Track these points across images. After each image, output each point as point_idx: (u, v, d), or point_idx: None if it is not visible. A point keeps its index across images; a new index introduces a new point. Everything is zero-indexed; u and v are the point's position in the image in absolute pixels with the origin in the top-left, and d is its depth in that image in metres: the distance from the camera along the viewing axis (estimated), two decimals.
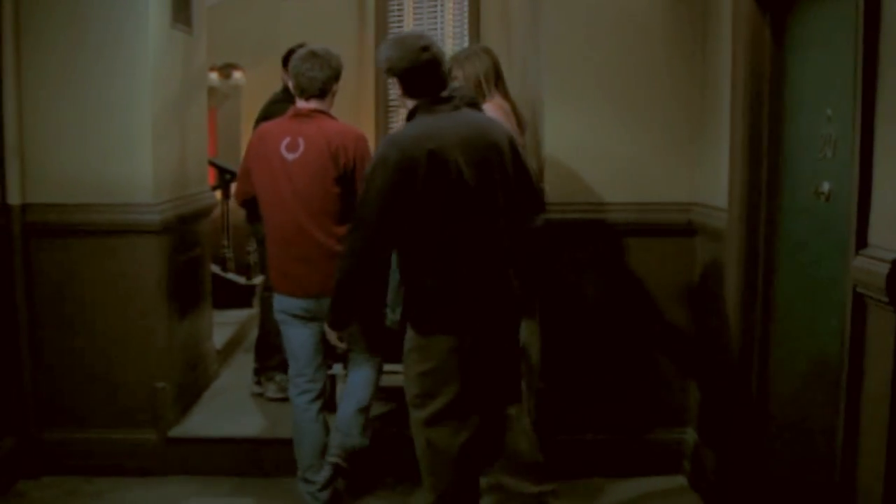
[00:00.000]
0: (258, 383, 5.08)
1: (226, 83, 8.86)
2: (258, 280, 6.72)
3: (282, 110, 4.04)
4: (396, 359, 3.48)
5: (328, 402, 4.02)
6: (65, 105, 4.19)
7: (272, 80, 5.40)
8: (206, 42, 5.17)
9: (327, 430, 3.89)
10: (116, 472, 4.30)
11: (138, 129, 4.21)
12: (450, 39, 7.84)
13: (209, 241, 5.36)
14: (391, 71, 3.18)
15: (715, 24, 4.01)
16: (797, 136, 3.41)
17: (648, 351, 4.30)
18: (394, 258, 3.56)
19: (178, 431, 4.44)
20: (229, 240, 6.82)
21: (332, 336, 3.44)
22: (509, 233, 3.21)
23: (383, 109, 8.35)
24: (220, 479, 4.31)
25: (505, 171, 3.18)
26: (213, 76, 8.49)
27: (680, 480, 4.30)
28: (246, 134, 6.40)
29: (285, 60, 5.19)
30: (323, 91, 3.77)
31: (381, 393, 4.48)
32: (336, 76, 3.80)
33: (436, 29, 7.97)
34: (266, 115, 4.73)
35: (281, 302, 3.84)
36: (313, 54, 3.77)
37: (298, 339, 3.85)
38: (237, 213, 6.79)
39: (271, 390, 4.96)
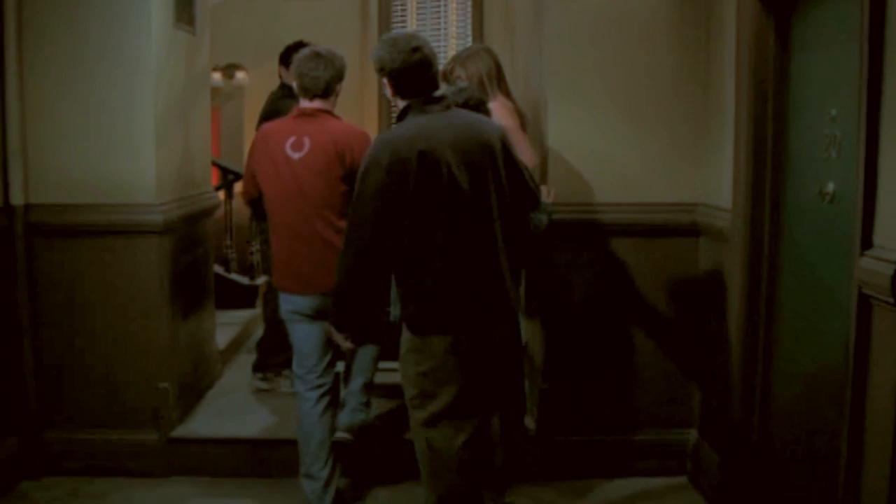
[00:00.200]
0: (264, 379, 5.10)
1: (229, 83, 8.87)
2: (261, 280, 6.73)
3: (289, 106, 4.07)
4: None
5: (335, 398, 4.01)
6: (68, 105, 4.19)
7: (275, 81, 5.40)
8: (209, 42, 5.17)
9: (333, 427, 3.89)
10: (118, 472, 4.30)
11: (141, 130, 4.21)
12: (453, 40, 7.83)
13: (212, 241, 5.36)
14: (382, 71, 3.20)
15: (719, 24, 4.00)
16: (801, 137, 3.40)
17: (652, 351, 4.29)
18: None
19: (180, 432, 4.44)
20: (232, 240, 6.82)
21: (339, 337, 3.42)
22: (504, 232, 3.21)
23: (386, 109, 8.35)
24: (223, 479, 4.31)
25: (497, 171, 3.19)
26: (216, 76, 8.49)
27: (683, 481, 4.29)
28: (249, 134, 6.41)
29: (283, 58, 5.24)
30: (327, 91, 3.79)
31: (383, 391, 4.50)
32: (340, 76, 3.82)
33: (439, 29, 7.96)
34: (273, 112, 4.74)
35: (288, 301, 3.85)
36: (317, 55, 3.79)
37: (306, 336, 3.86)
38: (240, 214, 6.81)
39: (285, 385, 5.00)
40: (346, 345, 3.47)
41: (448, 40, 7.86)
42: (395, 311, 3.86)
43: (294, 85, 3.90)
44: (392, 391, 4.32)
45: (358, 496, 4.13)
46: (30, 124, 4.18)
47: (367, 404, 4.12)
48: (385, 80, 3.22)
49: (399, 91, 3.21)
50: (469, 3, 7.61)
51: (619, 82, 4.17)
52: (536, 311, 4.48)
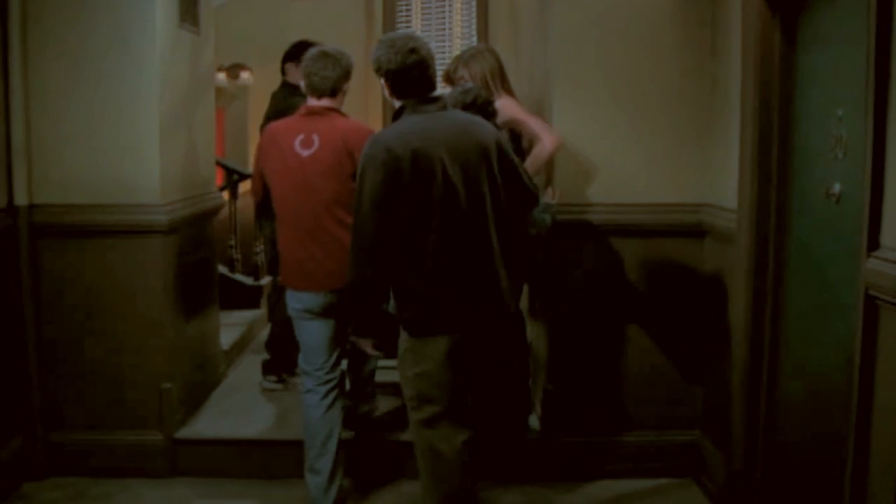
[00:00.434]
0: (278, 381, 5.11)
1: (233, 83, 8.89)
2: (266, 281, 6.72)
3: (296, 104, 4.08)
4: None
5: (341, 394, 4.00)
6: (72, 106, 4.19)
7: (280, 81, 5.40)
8: (213, 42, 5.16)
9: (339, 422, 3.89)
10: (123, 473, 4.30)
11: (145, 130, 4.21)
12: (458, 40, 7.83)
13: (216, 241, 5.35)
14: (380, 71, 3.24)
15: (724, 24, 3.99)
16: (807, 137, 3.39)
17: (656, 352, 4.28)
18: None
19: (184, 433, 4.44)
20: (237, 240, 6.82)
21: (364, 343, 3.35)
22: (498, 232, 3.21)
23: (390, 108, 8.35)
24: (227, 480, 4.30)
25: (492, 171, 3.20)
26: (221, 76, 8.51)
27: (688, 483, 4.28)
28: (253, 134, 6.40)
29: (287, 57, 5.25)
30: (335, 90, 3.84)
31: (384, 389, 4.49)
32: (347, 75, 3.87)
33: (444, 29, 7.96)
34: (283, 110, 4.73)
35: (296, 298, 3.86)
36: (325, 54, 3.83)
37: (314, 333, 3.87)
38: (245, 214, 6.82)
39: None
40: (374, 352, 3.40)
41: (452, 40, 7.86)
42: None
43: (301, 83, 3.93)
44: (394, 389, 4.32)
45: (361, 496, 4.12)
46: (34, 124, 4.18)
47: (372, 394, 4.20)
48: (382, 81, 3.25)
49: (396, 91, 3.25)
50: (474, 3, 7.61)
51: (624, 82, 4.16)
52: (540, 311, 4.47)
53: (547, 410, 4.32)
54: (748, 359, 3.69)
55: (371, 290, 3.18)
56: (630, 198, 4.21)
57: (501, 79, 4.25)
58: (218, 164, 6.13)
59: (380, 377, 4.48)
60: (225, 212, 6.08)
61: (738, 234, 3.75)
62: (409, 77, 3.20)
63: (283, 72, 5.38)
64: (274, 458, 4.35)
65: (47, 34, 4.15)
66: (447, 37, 7.94)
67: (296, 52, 5.03)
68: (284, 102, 5.06)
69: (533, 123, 4.11)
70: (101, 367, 4.30)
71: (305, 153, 3.75)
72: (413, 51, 3.19)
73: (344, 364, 4.11)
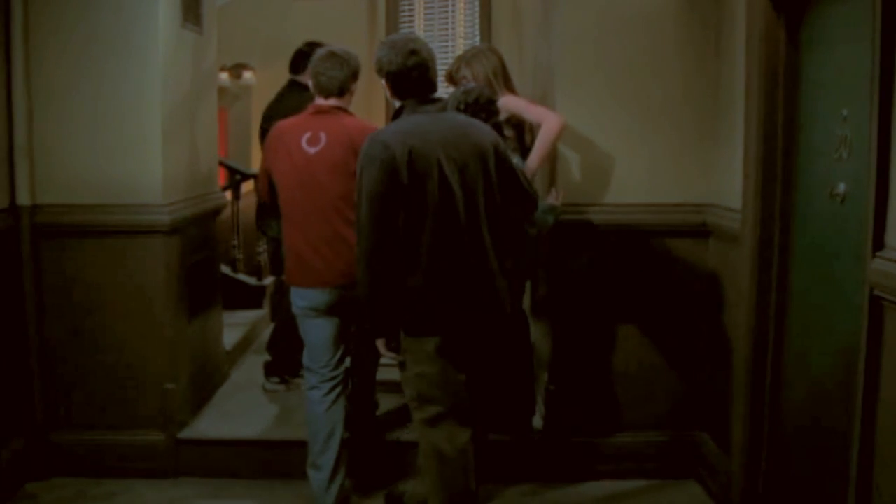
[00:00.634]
0: (282, 381, 5.11)
1: (236, 83, 8.89)
2: (268, 281, 6.72)
3: (304, 103, 4.08)
4: None
5: (345, 391, 3.99)
6: (74, 106, 4.18)
7: (283, 81, 5.39)
8: (216, 42, 5.16)
9: (342, 419, 3.89)
10: (126, 473, 4.30)
11: (148, 130, 4.20)
12: (461, 40, 7.82)
13: (219, 241, 5.35)
14: (381, 72, 3.29)
15: (729, 24, 3.98)
16: (812, 137, 3.38)
17: (660, 352, 4.28)
18: None
19: (187, 433, 4.43)
20: (239, 240, 6.82)
21: (382, 344, 3.31)
22: (493, 232, 3.20)
23: (393, 108, 8.35)
24: (231, 481, 4.30)
25: (488, 172, 3.21)
26: (224, 76, 8.51)
27: (692, 484, 4.27)
28: (256, 134, 6.39)
29: (293, 63, 5.23)
30: (342, 90, 3.88)
31: (384, 387, 4.49)
32: (355, 75, 3.91)
33: (447, 29, 7.95)
34: (292, 108, 4.70)
35: (301, 296, 3.86)
36: (333, 54, 3.87)
37: (319, 331, 3.87)
38: (247, 214, 6.81)
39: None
40: (389, 353, 3.34)
41: (456, 40, 7.85)
42: None
43: (309, 83, 3.96)
44: (394, 388, 4.32)
45: (363, 496, 4.11)
46: (37, 124, 4.18)
47: (374, 391, 4.25)
48: (384, 81, 3.31)
49: (396, 92, 3.31)
50: (477, 3, 7.60)
51: (628, 82, 4.16)
52: (544, 311, 4.47)
53: (550, 410, 4.32)
54: (752, 358, 3.68)
55: (379, 288, 3.16)
56: (634, 198, 4.21)
57: (504, 78, 4.24)
58: (220, 163, 6.13)
59: (380, 375, 4.47)
60: (228, 212, 6.09)
61: (742, 234, 3.75)
62: (410, 78, 3.24)
63: (297, 70, 5.28)
64: (277, 459, 4.34)
65: (50, 34, 4.14)
66: (450, 37, 7.93)
67: (310, 53, 4.99)
68: (295, 100, 5.01)
69: (534, 109, 4.11)
70: (104, 367, 4.29)
71: (312, 150, 3.76)
72: (413, 52, 3.23)
73: (347, 362, 4.11)
